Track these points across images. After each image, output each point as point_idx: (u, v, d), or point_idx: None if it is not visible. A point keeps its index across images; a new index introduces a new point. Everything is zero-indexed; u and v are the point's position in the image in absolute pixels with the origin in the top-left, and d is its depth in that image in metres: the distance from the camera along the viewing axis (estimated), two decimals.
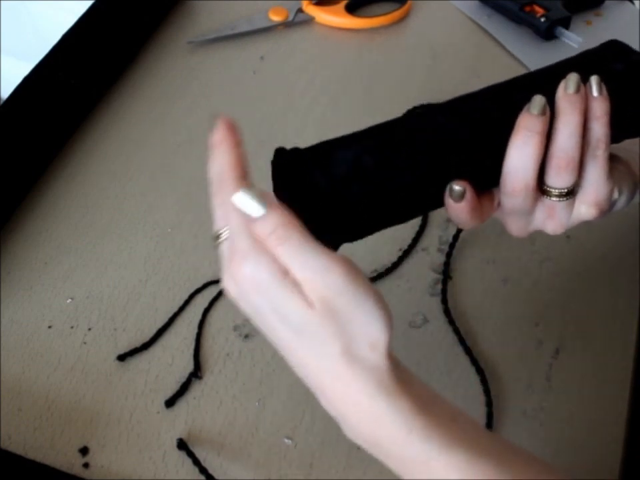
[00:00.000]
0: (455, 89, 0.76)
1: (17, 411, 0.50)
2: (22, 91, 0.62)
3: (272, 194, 0.38)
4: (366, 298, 0.36)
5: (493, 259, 0.60)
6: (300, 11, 0.81)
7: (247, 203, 0.36)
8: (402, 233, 0.61)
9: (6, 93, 0.62)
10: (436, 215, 0.62)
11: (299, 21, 0.81)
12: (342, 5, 0.82)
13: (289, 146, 0.42)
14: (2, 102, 0.61)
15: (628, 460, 0.50)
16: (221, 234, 0.39)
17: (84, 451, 0.49)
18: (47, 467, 0.48)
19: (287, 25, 0.80)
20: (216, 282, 0.58)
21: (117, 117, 0.70)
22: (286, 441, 0.50)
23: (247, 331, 0.55)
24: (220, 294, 0.57)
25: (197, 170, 0.66)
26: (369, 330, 0.36)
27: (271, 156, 0.43)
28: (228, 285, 0.38)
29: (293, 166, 0.41)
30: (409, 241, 0.61)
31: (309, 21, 0.81)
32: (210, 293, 0.57)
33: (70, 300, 0.57)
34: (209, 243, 0.56)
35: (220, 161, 0.40)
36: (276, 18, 0.80)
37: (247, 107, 0.71)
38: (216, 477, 0.48)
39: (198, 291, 0.57)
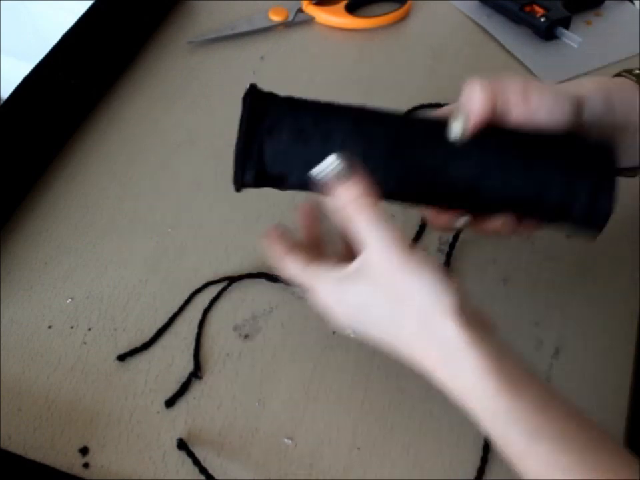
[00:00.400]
0: (455, 89, 0.76)
1: (17, 410, 0.50)
2: (22, 91, 0.62)
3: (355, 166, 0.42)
4: (421, 271, 0.39)
5: (493, 259, 0.60)
6: (300, 11, 0.81)
7: (336, 168, 0.41)
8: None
9: (6, 93, 0.62)
10: None
11: (299, 20, 0.81)
12: (342, 4, 0.82)
13: None
14: (2, 102, 0.61)
15: None
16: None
17: (84, 451, 0.49)
18: (46, 467, 0.47)
19: (287, 24, 0.80)
20: (216, 282, 0.58)
21: (117, 117, 0.70)
22: (286, 441, 0.50)
23: (247, 331, 0.55)
24: (220, 294, 0.57)
25: (197, 170, 0.66)
26: (430, 300, 0.39)
27: None
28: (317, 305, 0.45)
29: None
30: (409, 241, 0.60)
31: (309, 21, 0.81)
32: (210, 292, 0.57)
33: (70, 300, 0.57)
34: (209, 243, 0.56)
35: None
36: (276, 18, 0.80)
37: None
38: (216, 477, 0.48)
39: (198, 290, 0.57)
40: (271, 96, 0.46)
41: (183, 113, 0.71)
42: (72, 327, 0.55)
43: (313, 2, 0.82)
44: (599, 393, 0.53)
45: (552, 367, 0.54)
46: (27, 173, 0.63)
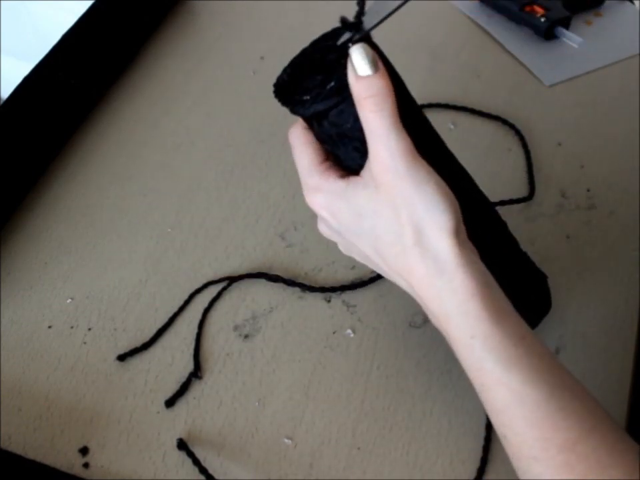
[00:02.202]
0: (455, 88, 0.76)
1: (17, 411, 0.50)
2: (22, 91, 0.62)
3: (382, 65, 0.39)
4: (426, 182, 0.38)
5: None
6: None
7: (360, 59, 0.38)
8: None
9: (6, 93, 0.61)
10: None
11: None
12: None
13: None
14: (2, 102, 0.61)
15: None
16: None
17: (84, 450, 0.49)
18: (47, 467, 0.48)
19: None
20: (216, 282, 0.58)
21: (117, 117, 0.70)
22: (286, 440, 0.50)
23: (247, 331, 0.55)
24: (220, 294, 0.57)
25: (197, 170, 0.66)
26: (431, 215, 0.38)
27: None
28: (311, 206, 0.43)
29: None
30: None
31: None
32: (210, 292, 0.57)
33: (70, 300, 0.57)
34: (209, 243, 0.56)
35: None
36: None
37: (246, 106, 0.71)
38: (216, 476, 0.48)
39: (198, 290, 0.57)
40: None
41: (183, 113, 0.71)
42: (72, 327, 0.55)
43: None
44: (599, 393, 0.52)
45: None
46: (27, 172, 0.63)
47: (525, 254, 0.51)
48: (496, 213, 0.48)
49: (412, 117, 0.41)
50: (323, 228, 0.44)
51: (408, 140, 0.38)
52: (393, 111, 0.38)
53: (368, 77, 0.38)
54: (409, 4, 0.39)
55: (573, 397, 0.38)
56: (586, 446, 0.37)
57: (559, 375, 0.38)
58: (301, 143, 0.43)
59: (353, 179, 0.41)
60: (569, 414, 0.37)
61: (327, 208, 0.42)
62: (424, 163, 0.39)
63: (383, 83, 0.38)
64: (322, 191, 0.42)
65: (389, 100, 0.38)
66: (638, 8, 0.85)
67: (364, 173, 0.40)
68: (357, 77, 0.38)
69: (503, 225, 0.49)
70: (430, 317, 0.41)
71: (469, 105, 0.71)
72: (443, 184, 0.39)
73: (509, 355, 0.37)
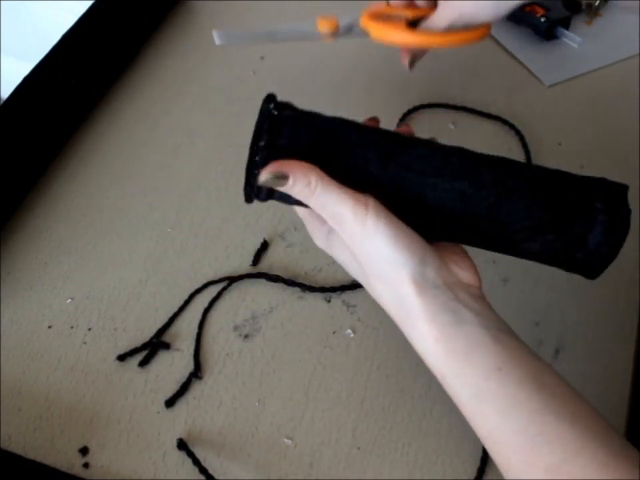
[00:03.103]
0: (455, 88, 0.76)
1: (17, 411, 0.50)
2: (22, 91, 0.62)
3: (285, 166, 0.41)
4: (382, 242, 0.40)
5: (493, 259, 0.60)
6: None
7: (270, 180, 0.41)
8: None
9: (6, 93, 0.62)
10: None
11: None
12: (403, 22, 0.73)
13: None
14: (2, 102, 0.61)
15: None
16: None
17: (84, 450, 0.49)
18: (46, 467, 0.48)
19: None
20: (216, 282, 0.58)
21: (117, 117, 0.70)
22: (286, 440, 0.50)
23: (247, 331, 0.55)
24: (220, 294, 0.57)
25: (197, 170, 0.66)
26: (391, 268, 0.40)
27: None
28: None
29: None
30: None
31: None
32: (210, 292, 0.57)
33: (70, 300, 0.57)
34: (209, 243, 0.57)
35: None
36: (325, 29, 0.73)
37: (246, 106, 0.71)
38: (216, 477, 0.48)
39: (198, 290, 0.57)
40: (287, 108, 0.43)
41: (183, 113, 0.71)
42: (72, 327, 0.55)
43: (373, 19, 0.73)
44: (599, 393, 0.53)
45: (552, 367, 0.54)
46: (27, 172, 0.63)
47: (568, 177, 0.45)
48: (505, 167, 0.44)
49: (353, 161, 0.42)
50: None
51: (348, 199, 0.40)
52: (318, 187, 0.40)
53: (287, 187, 0.41)
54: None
55: (558, 419, 0.38)
56: (573, 466, 0.37)
57: (541, 399, 0.38)
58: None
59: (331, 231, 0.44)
60: (551, 438, 0.37)
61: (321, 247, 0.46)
62: (375, 214, 0.40)
63: (297, 183, 0.40)
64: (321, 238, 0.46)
65: (309, 186, 0.40)
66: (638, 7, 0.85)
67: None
68: (287, 190, 0.41)
69: (519, 167, 0.45)
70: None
71: (469, 105, 0.71)
72: (398, 231, 0.40)
73: (480, 389, 0.39)
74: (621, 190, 0.43)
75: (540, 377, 0.40)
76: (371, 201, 0.40)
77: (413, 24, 0.69)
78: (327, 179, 0.40)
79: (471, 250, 0.61)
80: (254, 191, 0.43)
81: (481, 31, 0.60)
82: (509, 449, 0.38)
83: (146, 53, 0.76)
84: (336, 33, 0.67)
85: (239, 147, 0.71)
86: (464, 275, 0.42)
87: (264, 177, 0.41)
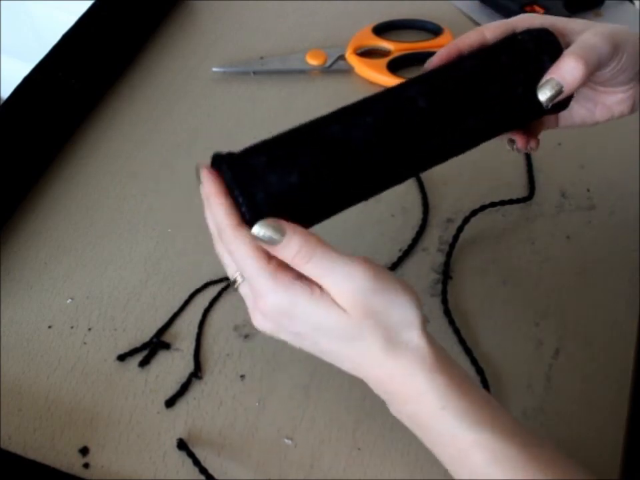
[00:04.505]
0: None
1: (17, 411, 0.50)
2: (22, 91, 0.62)
3: (282, 221, 0.39)
4: (395, 290, 0.40)
5: (493, 259, 0.60)
6: (341, 58, 0.76)
7: (265, 235, 0.39)
8: (402, 233, 0.61)
9: (6, 93, 0.62)
10: (436, 215, 0.62)
11: (336, 68, 0.75)
12: (384, 61, 0.75)
13: None
14: (2, 102, 0.61)
15: (628, 460, 0.50)
16: (236, 279, 0.43)
17: (84, 451, 0.49)
18: (47, 467, 0.47)
19: (323, 70, 0.76)
20: (216, 282, 0.58)
21: (117, 117, 0.70)
22: (286, 441, 0.50)
23: (247, 331, 0.55)
24: (220, 294, 0.57)
25: None
26: (404, 317, 0.40)
27: None
28: (261, 323, 0.41)
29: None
30: (409, 241, 0.61)
31: (349, 70, 0.75)
32: (210, 292, 0.57)
33: (70, 300, 0.57)
34: (209, 243, 0.56)
35: (214, 212, 0.42)
36: (313, 62, 0.75)
37: (246, 106, 0.71)
38: (216, 477, 0.48)
39: (198, 291, 0.57)
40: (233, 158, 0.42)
41: (183, 113, 0.71)
42: (72, 327, 0.55)
43: (358, 52, 0.76)
44: (599, 394, 0.53)
45: (552, 368, 0.54)
46: (27, 172, 0.63)
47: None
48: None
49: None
50: (264, 324, 0.42)
51: (354, 261, 0.39)
52: (323, 250, 0.39)
53: (284, 242, 0.39)
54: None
55: (540, 443, 0.41)
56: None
57: (525, 432, 0.41)
58: (238, 244, 0.40)
59: (313, 294, 0.39)
60: (543, 461, 0.40)
61: (284, 313, 0.40)
62: (380, 270, 0.40)
63: (298, 239, 0.39)
64: (276, 294, 0.39)
65: (313, 242, 0.39)
66: (638, 8, 0.85)
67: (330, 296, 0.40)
68: (275, 249, 0.39)
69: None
70: (393, 409, 0.43)
71: None
72: (404, 283, 0.41)
73: (478, 419, 0.40)
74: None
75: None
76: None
77: (394, 67, 0.74)
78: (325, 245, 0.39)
79: (470, 250, 0.61)
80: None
81: None
82: (505, 475, 0.40)
83: (146, 53, 0.76)
84: (324, 65, 0.74)
85: (239, 147, 0.71)
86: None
87: (260, 229, 0.39)
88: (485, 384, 0.52)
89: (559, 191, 0.65)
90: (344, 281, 0.39)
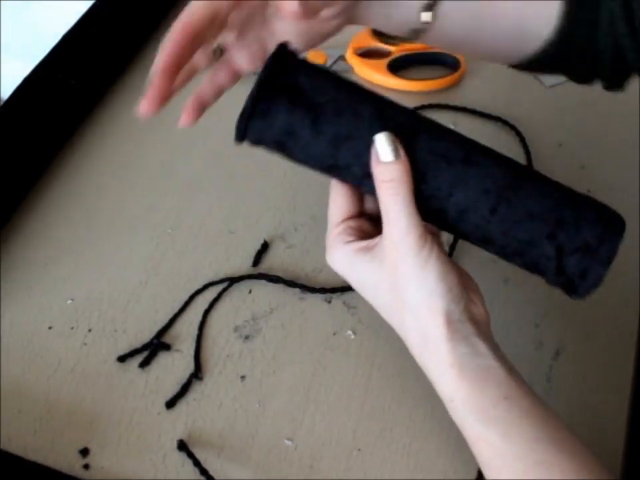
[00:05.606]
0: (455, 88, 0.76)
1: (17, 412, 0.50)
2: (22, 91, 0.62)
3: (402, 152, 0.41)
4: (429, 269, 0.41)
5: (493, 259, 0.59)
6: (341, 58, 0.76)
7: (384, 146, 0.41)
8: None
9: (6, 93, 0.62)
10: None
11: (336, 69, 0.74)
12: (385, 61, 0.74)
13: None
14: (2, 102, 0.61)
15: (629, 461, 0.50)
16: None
17: (84, 452, 0.49)
18: (47, 469, 0.47)
19: None
20: (216, 283, 0.58)
21: (117, 117, 0.70)
22: (286, 442, 0.50)
23: (248, 332, 0.55)
24: (220, 295, 0.57)
25: (197, 170, 0.66)
26: (429, 300, 0.42)
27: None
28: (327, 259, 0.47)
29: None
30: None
31: (347, 71, 0.74)
32: (210, 294, 0.57)
33: (70, 301, 0.57)
34: (209, 244, 0.57)
35: None
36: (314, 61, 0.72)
37: None
38: (216, 478, 0.48)
39: (198, 292, 0.57)
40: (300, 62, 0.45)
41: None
42: (72, 328, 0.55)
43: (358, 53, 0.75)
44: (599, 394, 0.53)
45: (552, 368, 0.54)
46: (27, 172, 0.63)
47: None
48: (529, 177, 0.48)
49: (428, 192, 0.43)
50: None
51: (419, 223, 0.41)
52: (408, 196, 0.41)
53: (389, 163, 0.41)
54: None
55: (559, 451, 0.40)
56: None
57: (544, 429, 0.41)
58: (333, 193, 0.46)
59: (362, 249, 0.44)
60: (551, 468, 0.39)
61: (337, 267, 0.46)
62: (432, 245, 0.42)
63: (401, 170, 0.41)
64: (334, 251, 0.45)
65: (405, 186, 0.41)
66: None
67: (375, 245, 0.43)
68: (378, 161, 0.41)
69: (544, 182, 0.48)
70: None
71: (469, 105, 0.71)
72: (447, 267, 0.42)
73: (487, 416, 0.41)
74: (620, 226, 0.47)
75: (544, 410, 0.42)
76: (429, 235, 0.42)
77: (394, 67, 0.74)
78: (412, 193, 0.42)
79: (470, 250, 0.61)
80: (246, 130, 0.45)
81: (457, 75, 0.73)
82: (510, 473, 0.40)
83: (146, 53, 0.76)
84: (325, 66, 0.73)
85: (241, 148, 0.71)
86: (477, 310, 0.44)
87: (383, 138, 0.41)
88: None
89: None
90: (400, 233, 0.41)
